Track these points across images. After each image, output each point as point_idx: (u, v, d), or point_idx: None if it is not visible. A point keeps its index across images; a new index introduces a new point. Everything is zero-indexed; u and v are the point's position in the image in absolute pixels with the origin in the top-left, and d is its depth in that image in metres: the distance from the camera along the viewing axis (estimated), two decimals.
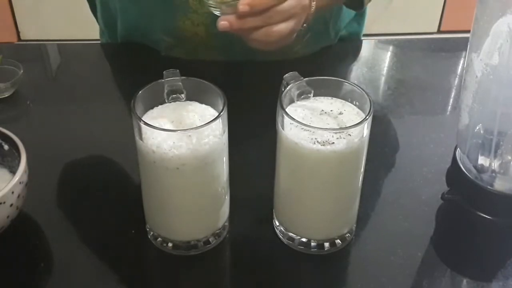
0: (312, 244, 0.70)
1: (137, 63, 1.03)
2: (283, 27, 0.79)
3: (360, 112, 0.66)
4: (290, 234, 0.71)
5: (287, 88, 0.66)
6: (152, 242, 0.72)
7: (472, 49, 0.67)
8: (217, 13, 0.79)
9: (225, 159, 0.67)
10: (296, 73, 0.67)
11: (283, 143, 0.65)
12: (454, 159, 0.74)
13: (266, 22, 0.78)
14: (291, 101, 0.67)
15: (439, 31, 2.49)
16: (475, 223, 0.72)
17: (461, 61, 1.05)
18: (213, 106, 0.67)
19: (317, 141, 0.62)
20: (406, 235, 0.73)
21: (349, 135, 0.63)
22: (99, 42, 1.16)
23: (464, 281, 0.70)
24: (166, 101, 0.67)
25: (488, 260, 0.71)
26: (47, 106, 0.95)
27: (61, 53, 1.09)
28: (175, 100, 0.67)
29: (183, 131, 0.63)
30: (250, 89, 0.95)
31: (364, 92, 0.66)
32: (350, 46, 1.10)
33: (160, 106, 0.67)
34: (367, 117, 0.63)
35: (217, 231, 0.71)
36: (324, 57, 1.04)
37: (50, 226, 0.74)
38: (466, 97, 0.69)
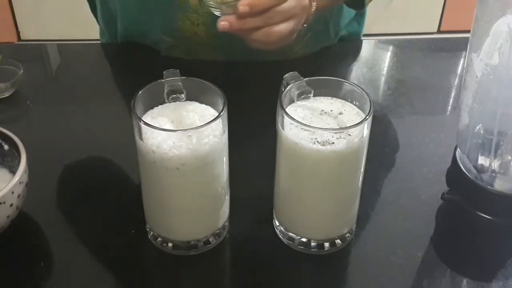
0: (312, 244, 0.70)
1: (137, 63, 1.03)
2: (283, 27, 0.79)
3: (360, 112, 0.66)
4: (290, 234, 0.71)
5: (287, 88, 0.66)
6: (152, 242, 0.72)
7: (472, 49, 0.67)
8: (217, 13, 0.79)
9: (225, 159, 0.67)
10: (296, 73, 0.67)
11: (283, 143, 0.65)
12: (454, 159, 0.74)
13: (266, 22, 0.78)
14: (291, 101, 0.67)
15: (439, 31, 2.50)
16: (475, 223, 0.72)
17: (461, 61, 1.05)
18: (213, 106, 0.67)
19: (317, 141, 0.62)
20: (406, 235, 0.73)
21: (349, 135, 0.63)
22: (99, 42, 1.16)
23: (464, 281, 0.70)
24: (166, 101, 0.67)
25: (488, 260, 0.71)
26: (47, 106, 0.95)
27: (61, 53, 1.09)
28: (175, 100, 0.67)
29: (183, 131, 0.63)
30: (250, 89, 0.95)
31: (364, 92, 0.66)
32: (350, 46, 1.10)
33: (160, 106, 0.67)
34: (367, 117, 0.63)
35: (217, 231, 0.71)
36: (324, 57, 1.04)
37: (50, 226, 0.74)
38: (466, 97, 0.69)
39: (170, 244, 0.70)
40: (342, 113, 0.67)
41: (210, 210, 0.69)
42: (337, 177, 0.66)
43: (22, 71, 0.93)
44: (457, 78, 1.01)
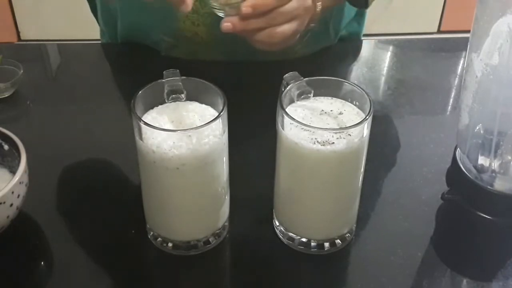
0: (312, 244, 0.70)
1: (137, 63, 1.03)
2: (286, 28, 0.80)
3: (360, 112, 0.66)
4: (290, 234, 0.71)
5: (287, 88, 0.66)
6: (152, 242, 0.72)
7: (472, 49, 0.67)
8: (221, 14, 0.79)
9: (225, 159, 0.67)
10: (296, 73, 0.67)
11: (283, 143, 0.65)
12: (454, 159, 0.74)
13: (269, 23, 0.79)
14: (291, 101, 0.67)
15: (439, 31, 2.50)
16: (475, 223, 0.72)
17: (461, 61, 1.05)
18: (213, 106, 0.67)
19: (317, 141, 0.62)
20: (406, 235, 0.73)
21: (349, 135, 0.63)
22: (99, 42, 1.16)
23: (464, 281, 0.70)
24: (166, 101, 0.67)
25: (488, 260, 0.71)
26: (47, 106, 0.95)
27: (61, 53, 1.09)
28: (175, 100, 0.67)
29: (183, 131, 0.63)
30: (250, 89, 0.95)
31: (364, 92, 0.66)
32: (350, 46, 1.10)
33: (160, 106, 0.67)
34: (367, 117, 0.63)
35: (217, 231, 0.71)
36: (324, 57, 1.04)
37: (50, 226, 0.74)
38: (466, 97, 0.69)
39: (170, 244, 0.70)
40: (342, 113, 0.67)
41: (210, 210, 0.69)
42: (337, 177, 0.66)
43: (22, 71, 0.93)
44: (457, 78, 1.01)
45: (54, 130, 0.90)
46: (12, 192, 0.66)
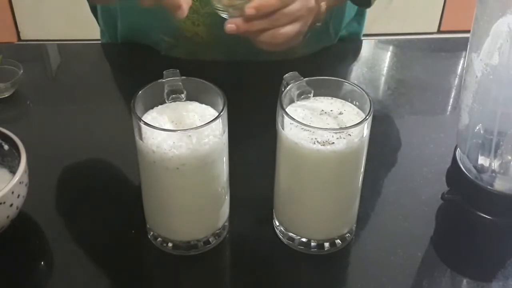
0: (312, 244, 0.70)
1: (137, 63, 1.03)
2: (289, 29, 0.80)
3: (360, 112, 0.66)
4: (290, 234, 0.71)
5: (287, 88, 0.66)
6: (152, 242, 0.72)
7: (472, 49, 0.67)
8: (224, 16, 0.79)
9: (225, 159, 0.67)
10: (296, 73, 0.67)
11: (283, 143, 0.65)
12: (454, 159, 0.74)
13: (272, 24, 0.79)
14: (291, 101, 0.67)
15: (439, 31, 2.49)
16: (475, 223, 0.72)
17: (461, 61, 1.05)
18: (213, 106, 0.67)
19: (317, 141, 0.62)
20: (406, 235, 0.73)
21: (349, 135, 0.63)
22: (99, 42, 1.16)
23: (464, 281, 0.70)
24: (166, 101, 0.67)
25: (488, 260, 0.71)
26: (47, 106, 0.95)
27: (61, 53, 1.09)
28: (175, 100, 0.67)
29: (183, 131, 0.63)
30: (250, 89, 0.95)
31: (364, 92, 0.66)
32: (350, 46, 1.10)
33: (160, 106, 0.67)
34: (367, 117, 0.63)
35: (217, 231, 0.71)
36: (324, 57, 1.04)
37: (50, 226, 0.74)
38: (466, 97, 0.69)
39: (170, 244, 0.70)
40: (342, 113, 0.67)
41: (210, 210, 0.69)
42: (337, 177, 0.66)
43: (22, 71, 0.93)
44: (457, 78, 1.01)
45: (54, 130, 0.90)
46: (12, 192, 0.66)
